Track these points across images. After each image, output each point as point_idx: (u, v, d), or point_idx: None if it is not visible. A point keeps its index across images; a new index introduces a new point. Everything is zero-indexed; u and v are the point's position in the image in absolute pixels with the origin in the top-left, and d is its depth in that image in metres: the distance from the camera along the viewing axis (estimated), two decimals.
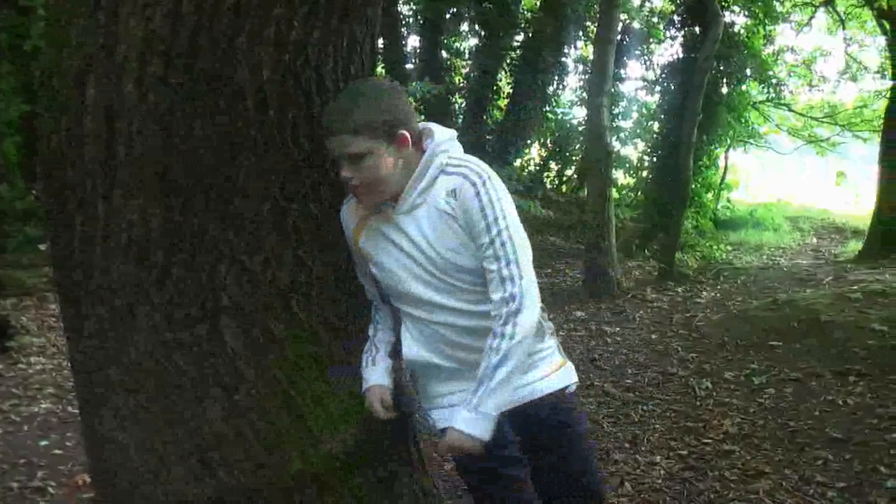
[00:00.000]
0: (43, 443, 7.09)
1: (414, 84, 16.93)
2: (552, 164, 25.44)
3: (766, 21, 21.11)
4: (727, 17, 18.85)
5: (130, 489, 3.51)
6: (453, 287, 3.35)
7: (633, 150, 23.09)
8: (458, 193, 3.24)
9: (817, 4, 23.34)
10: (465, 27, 24.48)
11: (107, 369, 3.42)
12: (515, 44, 22.88)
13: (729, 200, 23.57)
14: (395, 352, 3.66)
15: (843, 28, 24.55)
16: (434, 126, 3.42)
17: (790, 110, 26.27)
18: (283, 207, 3.43)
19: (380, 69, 17.22)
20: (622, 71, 22.30)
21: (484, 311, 3.32)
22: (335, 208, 3.57)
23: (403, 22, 22.52)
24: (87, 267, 3.33)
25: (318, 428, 3.58)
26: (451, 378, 3.52)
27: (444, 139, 3.36)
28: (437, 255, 3.30)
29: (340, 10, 3.40)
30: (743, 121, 22.07)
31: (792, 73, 25.36)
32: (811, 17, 24.01)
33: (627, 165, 22.47)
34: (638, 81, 24.09)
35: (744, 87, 21.30)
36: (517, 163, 22.64)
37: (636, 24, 22.85)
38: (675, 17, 20.81)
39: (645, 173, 21.56)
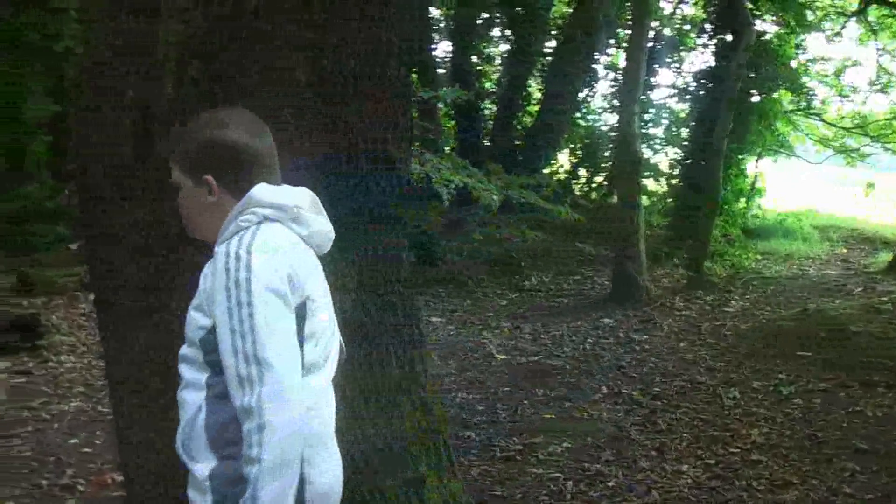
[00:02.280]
0: (72, 441, 7.15)
1: (444, 89, 16.92)
2: (581, 171, 25.38)
3: (798, 30, 21.05)
4: (758, 25, 18.78)
5: (159, 488, 3.53)
6: (183, 356, 2.85)
7: (663, 158, 22.99)
8: (216, 260, 2.72)
9: (849, 14, 23.25)
10: (495, 32, 24.48)
11: (138, 366, 3.45)
12: (546, 50, 22.86)
13: (760, 207, 23.44)
14: None
15: (875, 38, 24.43)
16: (263, 189, 2.82)
17: (821, 120, 26.14)
18: None
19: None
20: (652, 78, 22.23)
21: (188, 402, 2.79)
22: (369, 213, 3.58)
23: (434, 27, 22.52)
24: (120, 265, 3.35)
25: (346, 429, 3.59)
26: None
27: (258, 199, 2.79)
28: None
29: (372, 15, 3.42)
30: (773, 130, 21.99)
31: (822, 83, 25.26)
32: (843, 27, 23.91)
33: (656, 172, 22.36)
34: (668, 89, 24.06)
35: (775, 96, 21.21)
36: (546, 170, 22.63)
37: (667, 32, 22.82)
38: (707, 25, 20.79)
39: (674, 181, 21.48)
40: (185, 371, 2.80)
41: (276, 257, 2.68)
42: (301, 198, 2.88)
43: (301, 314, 2.73)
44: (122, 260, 3.33)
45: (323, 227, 2.95)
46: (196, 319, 2.75)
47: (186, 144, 2.81)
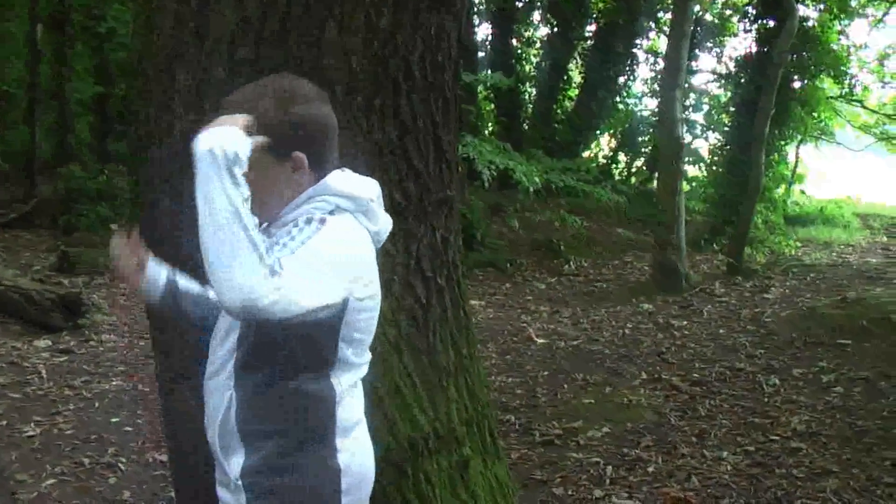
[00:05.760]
0: (114, 420, 7.20)
1: (484, 73, 16.93)
2: (621, 156, 25.35)
3: (841, 16, 20.89)
4: (801, 11, 18.65)
5: (206, 467, 3.55)
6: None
7: (703, 143, 22.92)
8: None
9: (892, 0, 23.05)
10: (536, 16, 24.46)
11: (186, 347, 3.47)
12: (587, 34, 22.83)
13: (803, 192, 23.37)
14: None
15: None
16: (338, 177, 2.69)
17: (863, 107, 25.96)
18: None
19: None
20: (693, 63, 22.14)
21: (218, 390, 2.72)
22: (418, 197, 3.59)
23: (475, 10, 22.52)
24: (173, 244, 3.37)
25: (395, 413, 3.61)
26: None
27: (334, 188, 2.64)
28: None
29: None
30: (815, 116, 21.85)
31: (864, 69, 25.09)
32: (885, 13, 23.71)
33: (697, 158, 22.26)
34: (709, 74, 23.99)
35: (817, 83, 21.08)
36: (586, 154, 22.61)
37: (709, 17, 22.71)
38: (749, 10, 20.66)
39: (715, 167, 21.41)
40: (219, 360, 2.71)
41: (350, 244, 2.57)
42: (373, 189, 2.76)
43: (345, 310, 2.59)
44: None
45: (387, 223, 2.82)
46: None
47: (268, 119, 2.52)
